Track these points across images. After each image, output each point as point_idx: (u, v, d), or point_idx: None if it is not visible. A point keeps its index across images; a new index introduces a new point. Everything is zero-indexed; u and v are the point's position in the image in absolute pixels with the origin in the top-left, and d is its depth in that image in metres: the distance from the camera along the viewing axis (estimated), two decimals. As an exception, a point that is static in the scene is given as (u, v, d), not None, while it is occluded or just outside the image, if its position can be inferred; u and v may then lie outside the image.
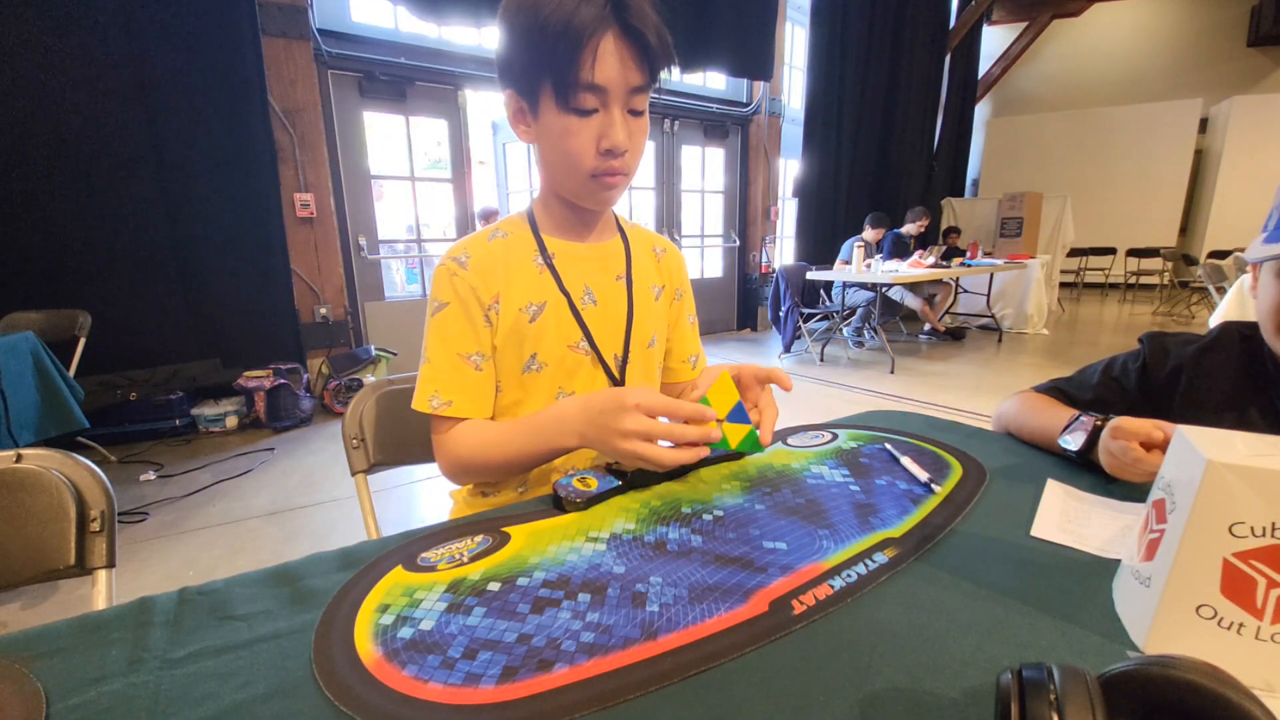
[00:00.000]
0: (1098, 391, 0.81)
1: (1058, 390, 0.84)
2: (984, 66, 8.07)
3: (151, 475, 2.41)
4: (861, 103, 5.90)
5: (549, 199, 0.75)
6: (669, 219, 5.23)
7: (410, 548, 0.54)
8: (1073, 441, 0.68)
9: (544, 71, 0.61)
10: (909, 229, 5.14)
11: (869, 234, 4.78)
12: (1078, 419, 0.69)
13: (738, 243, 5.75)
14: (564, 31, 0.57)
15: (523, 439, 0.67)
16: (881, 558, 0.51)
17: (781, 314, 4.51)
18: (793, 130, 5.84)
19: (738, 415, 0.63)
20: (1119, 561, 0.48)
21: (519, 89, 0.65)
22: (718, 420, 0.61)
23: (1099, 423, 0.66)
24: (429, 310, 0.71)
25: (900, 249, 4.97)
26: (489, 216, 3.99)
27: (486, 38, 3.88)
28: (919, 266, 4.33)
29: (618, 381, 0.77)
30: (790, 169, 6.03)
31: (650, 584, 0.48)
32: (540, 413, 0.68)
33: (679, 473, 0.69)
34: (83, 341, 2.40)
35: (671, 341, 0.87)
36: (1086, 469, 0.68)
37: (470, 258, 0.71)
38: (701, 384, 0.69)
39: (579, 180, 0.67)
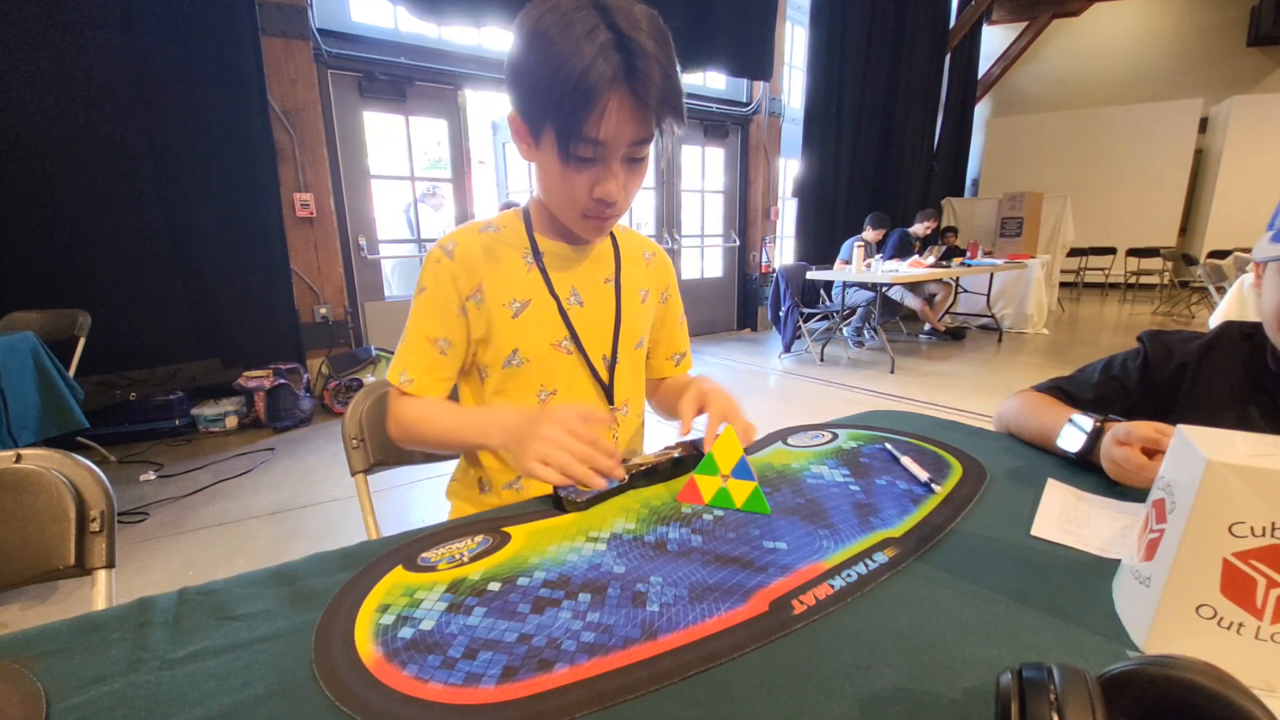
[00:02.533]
0: (1098, 390, 0.81)
1: (1058, 390, 0.84)
2: (984, 66, 8.06)
3: (151, 475, 2.41)
4: (861, 102, 5.90)
5: (544, 205, 0.76)
6: (669, 219, 5.22)
7: (410, 548, 0.54)
8: (1072, 442, 0.68)
9: (549, 116, 0.61)
10: (917, 229, 5.14)
11: (869, 234, 4.77)
12: (1076, 419, 0.69)
13: (738, 242, 5.75)
14: (574, 88, 0.57)
15: (453, 421, 0.71)
16: (881, 557, 0.51)
17: (781, 314, 4.51)
18: (793, 130, 5.84)
19: (742, 471, 0.61)
20: (1119, 561, 0.48)
21: (522, 116, 0.66)
22: (723, 477, 0.61)
23: (1099, 424, 0.66)
24: (415, 291, 0.74)
25: (906, 248, 4.96)
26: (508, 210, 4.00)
27: (486, 38, 3.88)
28: (919, 266, 4.33)
29: (604, 382, 0.78)
30: (790, 169, 6.03)
31: (650, 584, 0.48)
32: (482, 407, 0.74)
33: (680, 471, 0.69)
34: (82, 341, 2.40)
35: (659, 341, 0.89)
36: (1086, 469, 0.68)
37: (457, 247, 0.73)
38: (686, 395, 0.70)
39: (570, 216, 0.70)
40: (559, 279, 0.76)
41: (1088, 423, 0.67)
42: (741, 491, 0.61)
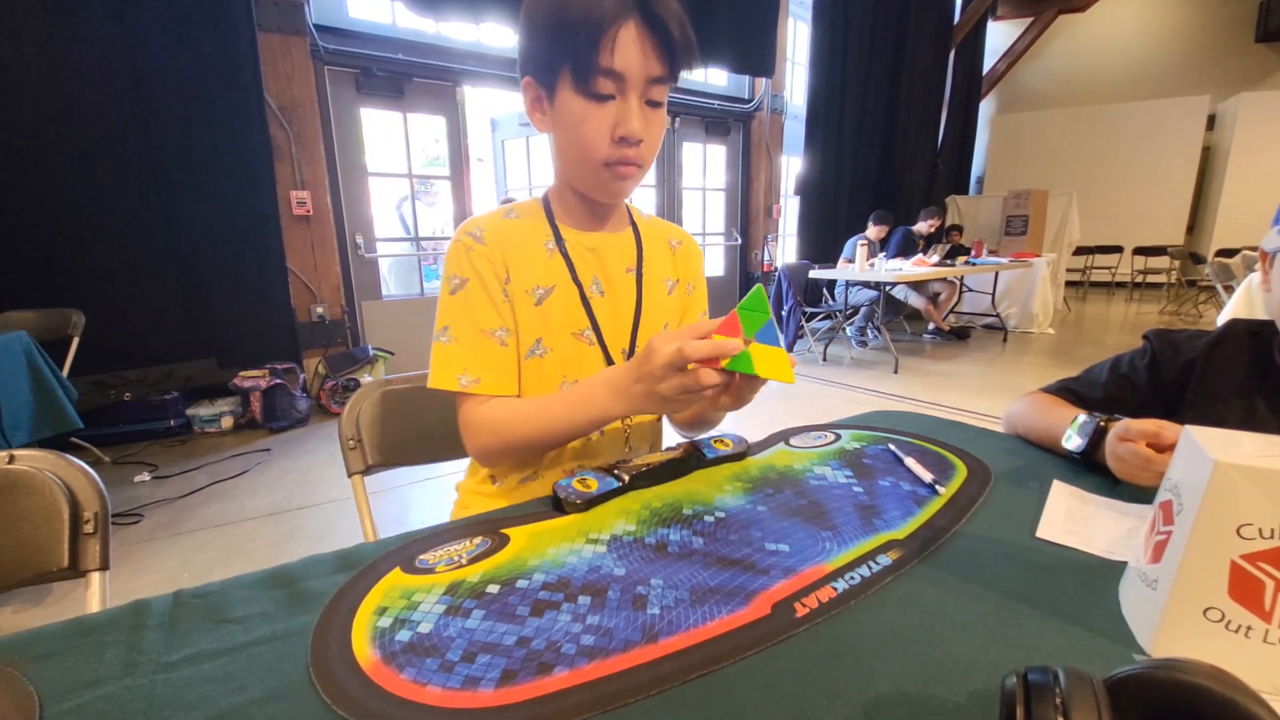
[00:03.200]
0: (1107, 390, 0.81)
1: (1066, 390, 0.84)
2: (989, 62, 8.03)
3: (146, 476, 2.40)
4: (864, 99, 5.88)
5: (563, 189, 0.75)
6: (670, 217, 5.21)
7: (408, 549, 0.54)
8: (1075, 442, 0.68)
9: (563, 57, 0.62)
10: (921, 228, 5.12)
11: (872, 232, 4.76)
12: (1079, 419, 0.69)
13: (739, 241, 5.74)
14: (586, 17, 0.59)
15: (564, 411, 0.65)
16: (885, 560, 0.50)
17: (784, 313, 4.50)
18: (795, 127, 5.82)
19: (768, 335, 0.54)
20: (1125, 563, 0.48)
21: (537, 76, 0.66)
22: (745, 340, 0.54)
23: (1102, 423, 0.66)
24: (445, 288, 0.71)
25: (909, 246, 4.95)
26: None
27: (485, 34, 3.87)
28: (923, 265, 4.32)
29: None
30: (792, 166, 6.01)
31: (651, 586, 0.47)
32: (577, 386, 0.67)
33: (680, 472, 0.68)
34: (76, 341, 2.38)
35: None
36: (1092, 470, 0.67)
37: (484, 231, 0.72)
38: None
39: (592, 169, 0.67)
40: (581, 267, 0.74)
41: (1089, 422, 0.67)
42: (764, 355, 0.53)
